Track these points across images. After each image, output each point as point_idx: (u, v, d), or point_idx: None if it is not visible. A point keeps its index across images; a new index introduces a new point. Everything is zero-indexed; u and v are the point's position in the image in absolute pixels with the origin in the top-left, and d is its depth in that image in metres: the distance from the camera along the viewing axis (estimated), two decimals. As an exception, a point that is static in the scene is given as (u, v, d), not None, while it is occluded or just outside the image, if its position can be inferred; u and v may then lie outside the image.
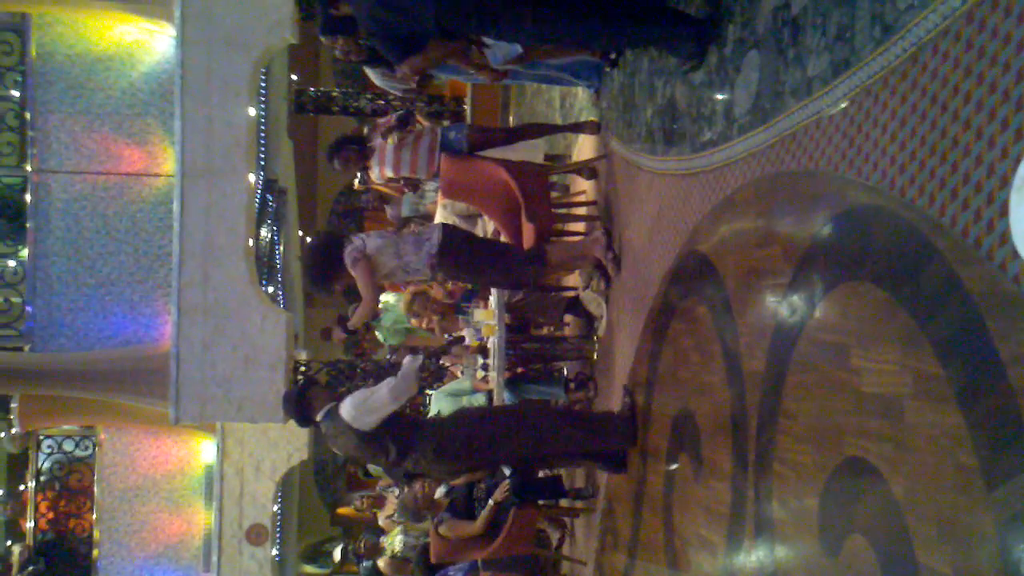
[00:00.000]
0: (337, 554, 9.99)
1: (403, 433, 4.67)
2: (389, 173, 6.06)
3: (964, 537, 1.98)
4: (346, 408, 4.62)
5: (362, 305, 5.05)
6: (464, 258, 5.11)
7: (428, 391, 8.27)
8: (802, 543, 2.76)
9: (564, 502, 6.54)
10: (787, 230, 3.00)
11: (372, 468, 7.10)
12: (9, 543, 12.71)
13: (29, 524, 11.53)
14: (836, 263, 2.59)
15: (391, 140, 5.78)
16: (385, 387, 4.64)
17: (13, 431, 11.44)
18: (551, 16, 3.72)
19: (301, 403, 4.81)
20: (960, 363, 2.01)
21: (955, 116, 2.09)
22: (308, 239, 13.61)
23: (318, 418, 4.74)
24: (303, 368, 10.52)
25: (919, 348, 2.14)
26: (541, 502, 6.29)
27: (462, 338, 6.78)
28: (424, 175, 6.05)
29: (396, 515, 8.45)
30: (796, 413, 2.82)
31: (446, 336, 7.04)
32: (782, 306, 2.94)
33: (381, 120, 6.40)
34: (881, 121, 2.40)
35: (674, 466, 4.10)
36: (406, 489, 6.26)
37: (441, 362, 7.46)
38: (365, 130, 6.27)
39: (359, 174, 8.41)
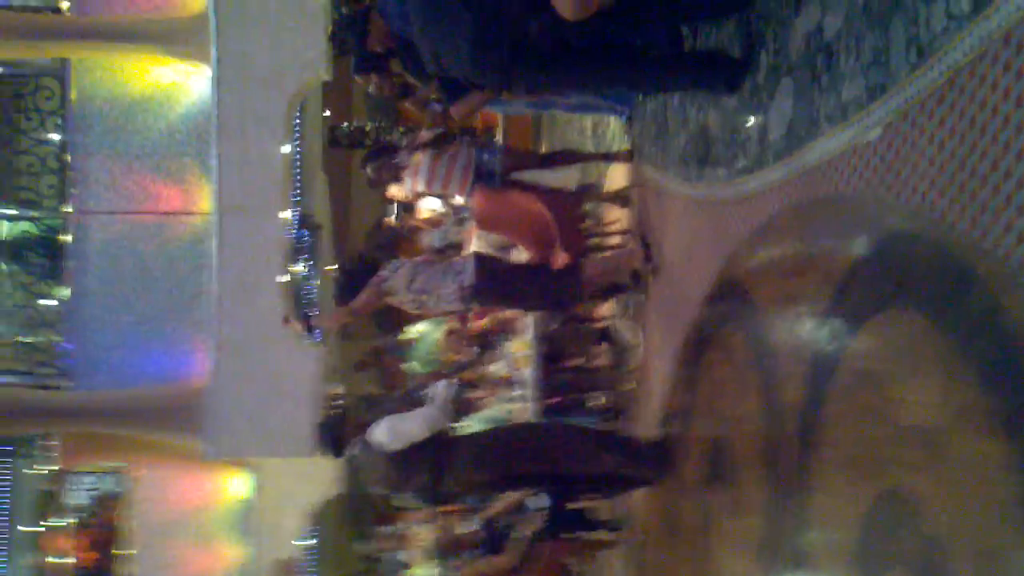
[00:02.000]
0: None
1: (438, 451, 4.64)
2: (421, 187, 6.04)
3: (1012, 572, 1.92)
4: (379, 431, 4.62)
5: (332, 316, 5.17)
6: (500, 288, 5.12)
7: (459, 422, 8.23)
8: (843, 576, 2.70)
9: (594, 534, 6.47)
10: (825, 257, 2.96)
11: (398, 501, 7.12)
12: (47, 579, 12.78)
13: (65, 560, 11.58)
14: (876, 290, 2.55)
15: (417, 157, 5.78)
16: (420, 418, 4.65)
17: (54, 468, 11.52)
18: (574, 77, 3.72)
19: (336, 433, 4.83)
20: (1005, 392, 1.96)
21: (995, 139, 2.05)
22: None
23: (351, 450, 4.75)
24: (337, 402, 10.55)
25: (962, 376, 2.10)
26: (570, 535, 6.23)
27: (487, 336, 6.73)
28: (456, 192, 6.03)
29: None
30: (835, 443, 2.77)
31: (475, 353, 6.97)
32: (820, 334, 2.89)
33: (424, 133, 6.39)
34: (919, 145, 2.37)
35: (709, 497, 4.03)
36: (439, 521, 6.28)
37: (472, 395, 7.45)
38: (403, 142, 6.25)
39: (395, 211, 8.42)
